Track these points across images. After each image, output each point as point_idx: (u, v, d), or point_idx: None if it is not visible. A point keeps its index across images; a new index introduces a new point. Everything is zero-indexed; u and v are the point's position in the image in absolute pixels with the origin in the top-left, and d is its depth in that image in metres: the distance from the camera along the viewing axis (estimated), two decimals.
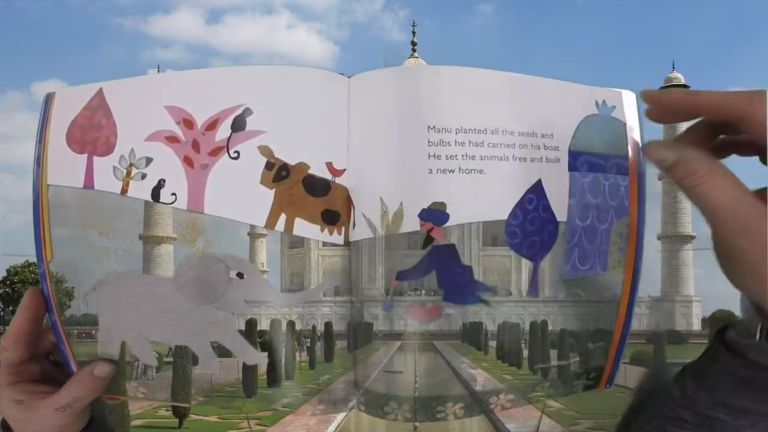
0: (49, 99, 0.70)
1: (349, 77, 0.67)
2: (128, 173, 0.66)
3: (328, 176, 0.66)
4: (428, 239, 0.65)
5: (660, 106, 0.57)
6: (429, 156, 0.64)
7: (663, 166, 0.54)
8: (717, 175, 0.50)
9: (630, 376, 0.72)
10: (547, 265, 0.68)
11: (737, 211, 0.49)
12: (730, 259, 0.51)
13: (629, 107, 0.68)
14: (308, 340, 0.69)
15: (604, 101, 0.68)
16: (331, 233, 0.67)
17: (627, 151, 0.68)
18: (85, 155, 0.68)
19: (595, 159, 0.68)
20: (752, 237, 0.48)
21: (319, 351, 0.71)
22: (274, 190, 0.65)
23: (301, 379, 0.69)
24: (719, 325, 0.61)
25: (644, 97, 0.58)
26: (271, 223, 0.65)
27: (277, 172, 0.65)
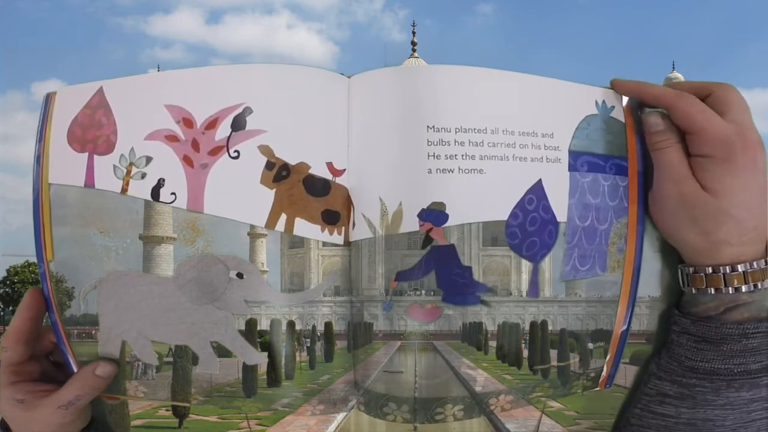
0: (49, 98, 0.70)
1: (349, 77, 0.67)
2: (128, 172, 0.66)
3: (328, 176, 0.66)
4: (427, 239, 0.65)
5: (625, 93, 0.69)
6: (428, 156, 0.64)
7: (652, 129, 0.66)
8: (678, 145, 0.65)
9: (630, 376, 0.72)
10: (547, 266, 0.68)
11: (675, 168, 0.63)
12: (658, 204, 0.65)
13: (628, 107, 0.68)
14: (308, 340, 0.69)
15: (603, 101, 0.68)
16: (331, 233, 0.67)
17: (626, 151, 0.68)
18: (86, 154, 0.68)
19: (594, 159, 0.68)
20: (676, 186, 0.63)
21: (319, 351, 0.70)
22: (274, 190, 0.65)
23: (301, 379, 0.69)
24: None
25: (613, 84, 0.69)
26: (271, 223, 0.65)
27: (278, 172, 0.65)
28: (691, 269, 0.64)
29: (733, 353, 0.62)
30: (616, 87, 0.69)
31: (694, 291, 0.64)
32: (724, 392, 0.63)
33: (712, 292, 0.63)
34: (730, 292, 0.62)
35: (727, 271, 0.62)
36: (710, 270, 0.62)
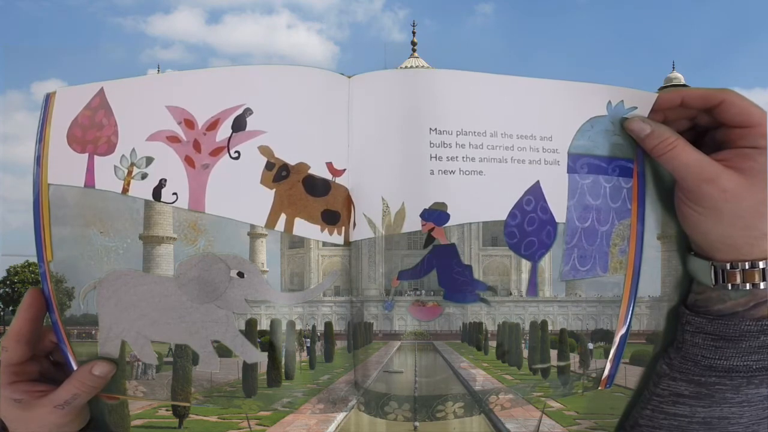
0: (48, 99, 0.70)
1: (349, 77, 0.67)
2: (129, 173, 0.66)
3: (328, 176, 0.66)
4: (429, 239, 0.65)
5: (666, 106, 0.67)
6: (431, 157, 0.64)
7: (641, 135, 0.66)
8: (682, 141, 0.64)
9: (630, 376, 0.72)
10: (547, 265, 0.68)
11: (703, 167, 0.62)
12: (696, 203, 0.63)
13: (649, 110, 0.67)
14: (308, 339, 0.69)
15: (621, 102, 0.67)
16: (331, 233, 0.67)
17: (634, 153, 0.68)
18: (86, 154, 0.68)
19: (595, 161, 0.68)
20: (714, 184, 0.61)
21: (319, 351, 0.70)
22: (274, 190, 0.65)
23: (301, 379, 0.69)
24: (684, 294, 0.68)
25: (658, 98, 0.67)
26: (271, 223, 0.66)
27: (278, 172, 0.65)
28: (728, 265, 0.63)
29: (752, 350, 0.62)
30: (660, 101, 0.67)
31: (730, 287, 0.63)
32: (743, 389, 0.63)
33: (748, 287, 0.62)
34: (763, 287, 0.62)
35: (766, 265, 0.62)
36: (748, 265, 0.62)
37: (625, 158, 0.68)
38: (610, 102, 0.67)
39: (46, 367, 0.74)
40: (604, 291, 0.70)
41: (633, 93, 0.67)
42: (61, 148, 0.68)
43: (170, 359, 0.69)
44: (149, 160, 0.66)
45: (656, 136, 0.65)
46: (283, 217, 0.66)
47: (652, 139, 0.65)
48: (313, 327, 0.71)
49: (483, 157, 0.65)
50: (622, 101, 0.67)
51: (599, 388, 0.70)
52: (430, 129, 0.64)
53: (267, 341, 0.68)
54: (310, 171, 0.66)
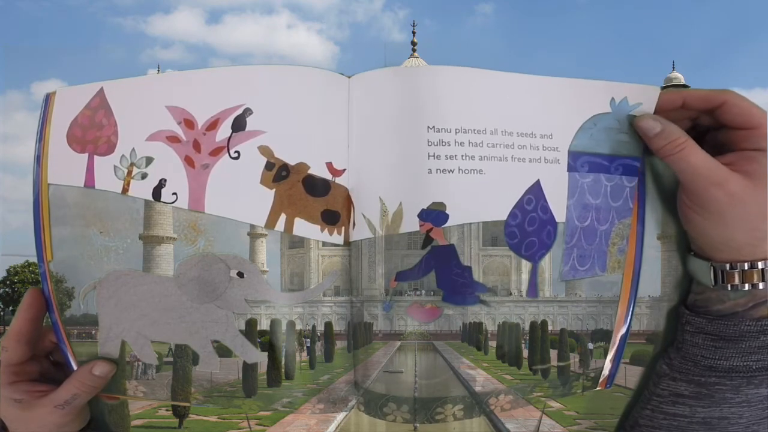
0: (48, 98, 0.70)
1: (349, 77, 0.67)
2: (129, 173, 0.67)
3: (328, 176, 0.66)
4: (428, 239, 0.65)
5: (667, 106, 0.67)
6: (429, 156, 0.64)
7: (650, 134, 0.65)
8: (691, 143, 0.63)
9: (630, 376, 0.72)
10: (547, 266, 0.68)
11: (711, 170, 0.61)
12: (701, 207, 0.62)
13: (654, 104, 0.67)
14: (308, 339, 0.69)
15: (625, 98, 0.66)
16: (331, 233, 0.67)
17: (640, 151, 0.67)
18: (86, 154, 0.68)
19: (596, 159, 0.67)
20: (722, 188, 0.61)
21: (319, 351, 0.70)
22: (274, 190, 0.65)
23: (301, 379, 0.69)
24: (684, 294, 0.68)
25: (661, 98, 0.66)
26: (271, 223, 0.66)
27: (277, 172, 0.65)
28: (727, 266, 0.63)
29: (752, 350, 0.62)
30: (663, 102, 0.67)
31: (729, 288, 0.63)
32: (743, 389, 0.63)
33: (747, 288, 0.62)
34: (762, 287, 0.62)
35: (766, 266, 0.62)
36: (747, 266, 0.62)
37: (631, 156, 0.67)
38: (613, 99, 0.67)
39: (46, 367, 0.74)
40: (604, 291, 0.70)
41: (636, 88, 0.67)
42: (61, 148, 0.68)
43: (170, 359, 0.69)
44: (149, 160, 0.66)
45: (666, 135, 0.64)
46: (283, 217, 0.66)
47: (661, 139, 0.64)
48: (313, 327, 0.70)
49: (483, 156, 0.65)
50: (626, 97, 0.67)
51: (599, 388, 0.70)
52: (428, 127, 0.64)
53: (267, 341, 0.68)
54: (310, 171, 0.66)
